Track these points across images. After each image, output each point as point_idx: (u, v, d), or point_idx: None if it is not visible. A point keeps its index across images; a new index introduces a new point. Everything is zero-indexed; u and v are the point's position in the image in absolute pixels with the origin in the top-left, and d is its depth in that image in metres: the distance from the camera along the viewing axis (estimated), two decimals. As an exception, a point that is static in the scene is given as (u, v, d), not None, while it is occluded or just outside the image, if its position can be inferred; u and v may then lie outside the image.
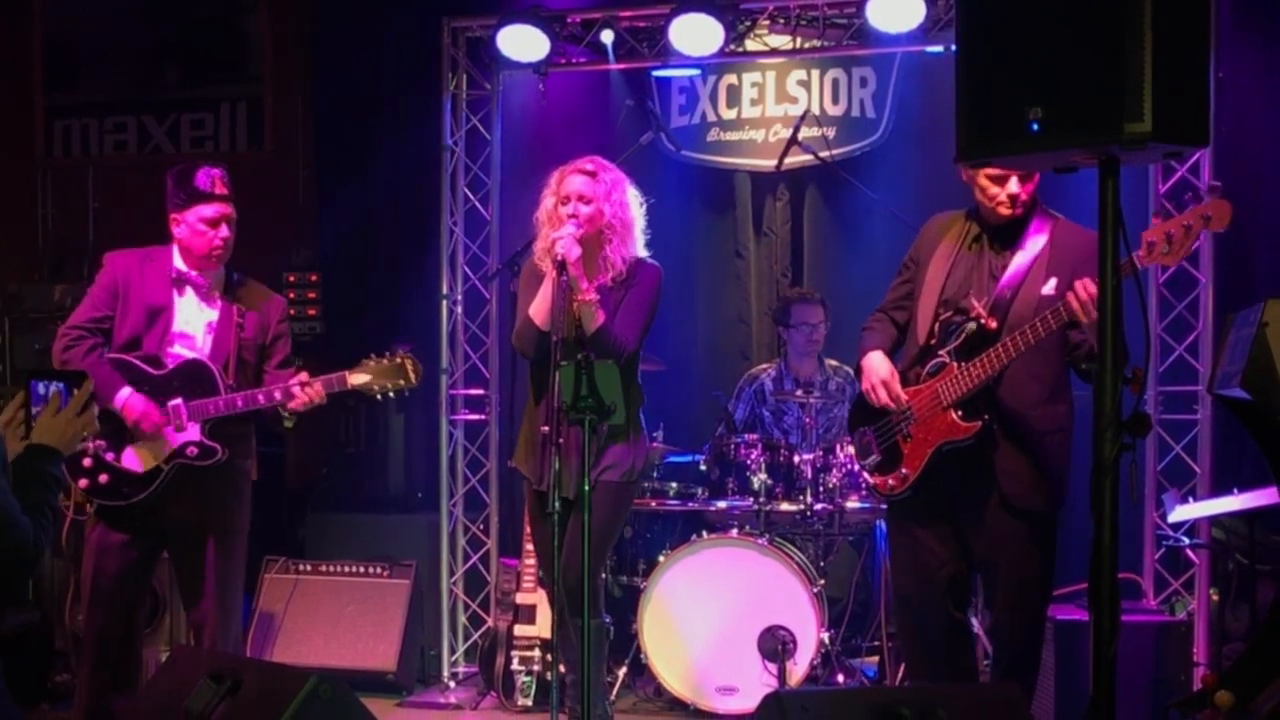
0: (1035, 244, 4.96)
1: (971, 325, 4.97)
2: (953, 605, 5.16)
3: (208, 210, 5.57)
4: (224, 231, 5.61)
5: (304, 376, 5.56)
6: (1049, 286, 4.81)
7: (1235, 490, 6.01)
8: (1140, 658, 5.65)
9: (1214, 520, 6.50)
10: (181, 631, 6.71)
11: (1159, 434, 6.72)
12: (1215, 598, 6.46)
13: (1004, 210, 4.97)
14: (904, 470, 5.13)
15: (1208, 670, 5.86)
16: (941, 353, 5.04)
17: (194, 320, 5.65)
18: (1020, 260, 4.94)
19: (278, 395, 5.53)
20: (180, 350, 5.60)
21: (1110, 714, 3.42)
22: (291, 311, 8.57)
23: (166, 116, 9.68)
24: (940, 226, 5.30)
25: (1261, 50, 7.55)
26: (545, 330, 5.43)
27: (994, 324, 4.89)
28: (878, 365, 5.20)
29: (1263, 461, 4.81)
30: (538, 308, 5.50)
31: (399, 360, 5.62)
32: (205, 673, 5.10)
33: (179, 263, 5.65)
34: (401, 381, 5.63)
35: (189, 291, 5.65)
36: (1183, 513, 6.36)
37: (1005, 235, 5.04)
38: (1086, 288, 4.53)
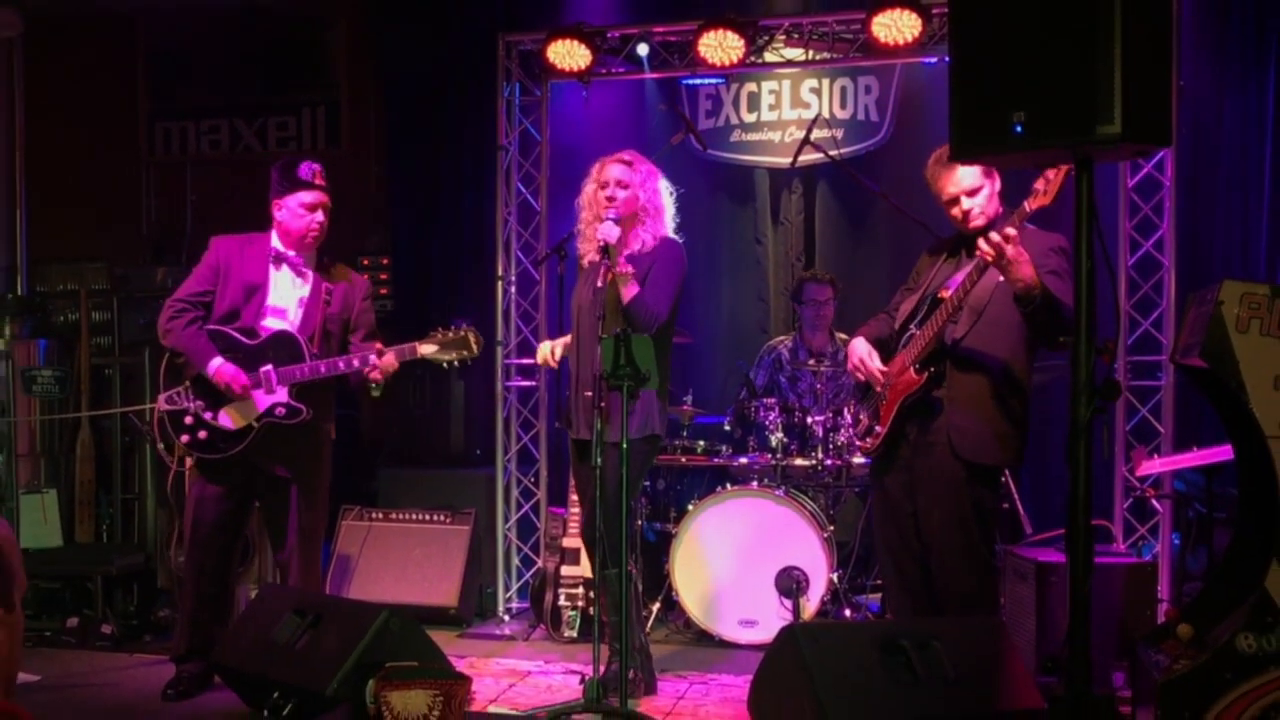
0: None
1: (930, 298, 5.08)
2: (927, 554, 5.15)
3: (307, 197, 5.64)
4: (319, 216, 5.68)
5: (378, 347, 5.60)
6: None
7: (1195, 448, 6.00)
8: (1111, 595, 5.63)
9: (1176, 474, 6.50)
10: (269, 572, 6.75)
11: (1128, 398, 6.70)
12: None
13: (962, 225, 5.09)
14: (878, 428, 5.19)
15: (1170, 606, 5.86)
16: (911, 327, 5.15)
17: (287, 296, 5.69)
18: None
19: (356, 363, 5.55)
20: (273, 322, 5.64)
21: (1084, 645, 3.44)
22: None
23: (255, 119, 9.73)
24: (937, 245, 5.42)
25: (1217, 61, 7.55)
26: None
27: (946, 293, 4.95)
28: (857, 346, 5.30)
29: (1219, 422, 4.79)
30: None
31: (463, 334, 5.63)
32: (290, 608, 5.18)
33: (277, 244, 5.70)
34: (465, 353, 5.64)
35: (284, 268, 5.69)
36: (1149, 467, 6.35)
37: (975, 241, 5.08)
38: (990, 238, 4.59)
